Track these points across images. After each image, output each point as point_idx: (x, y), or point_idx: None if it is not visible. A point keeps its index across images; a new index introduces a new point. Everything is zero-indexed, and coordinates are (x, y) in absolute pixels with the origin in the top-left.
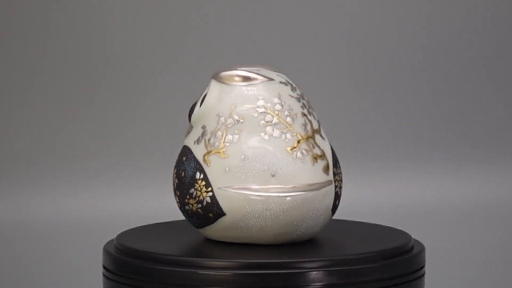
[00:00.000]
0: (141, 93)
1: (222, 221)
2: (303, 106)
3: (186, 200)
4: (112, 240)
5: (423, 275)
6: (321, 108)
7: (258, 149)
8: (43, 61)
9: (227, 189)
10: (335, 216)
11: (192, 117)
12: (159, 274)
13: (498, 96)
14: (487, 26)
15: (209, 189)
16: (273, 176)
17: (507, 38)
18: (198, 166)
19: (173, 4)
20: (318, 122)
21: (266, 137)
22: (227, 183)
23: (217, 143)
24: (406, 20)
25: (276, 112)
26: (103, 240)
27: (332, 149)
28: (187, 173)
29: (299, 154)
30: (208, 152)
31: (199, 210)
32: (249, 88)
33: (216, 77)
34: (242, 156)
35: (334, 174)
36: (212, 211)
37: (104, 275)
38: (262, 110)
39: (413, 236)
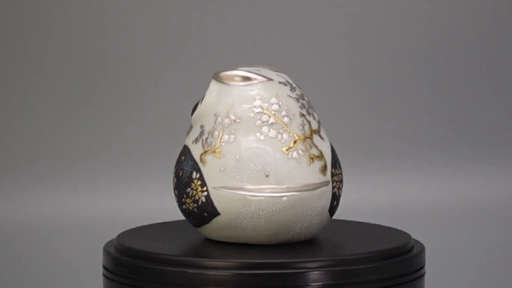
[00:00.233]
0: (141, 93)
1: (217, 220)
2: (302, 107)
3: (183, 199)
4: (112, 240)
5: (423, 275)
6: (321, 108)
7: (253, 149)
8: (43, 61)
9: (222, 189)
10: (335, 216)
11: (192, 117)
12: (159, 274)
13: (498, 96)
14: (487, 26)
15: (204, 188)
16: (267, 176)
17: (507, 38)
18: (195, 165)
19: (174, 4)
20: (318, 122)
21: (262, 137)
22: (222, 183)
23: (213, 143)
24: (406, 20)
25: (273, 113)
26: (103, 240)
27: (332, 150)
28: (184, 172)
29: (295, 155)
30: (205, 152)
31: (195, 209)
32: (247, 88)
33: (216, 77)
34: (237, 156)
35: (332, 175)
36: (207, 211)
37: (104, 275)
38: (259, 110)
39: (413, 236)
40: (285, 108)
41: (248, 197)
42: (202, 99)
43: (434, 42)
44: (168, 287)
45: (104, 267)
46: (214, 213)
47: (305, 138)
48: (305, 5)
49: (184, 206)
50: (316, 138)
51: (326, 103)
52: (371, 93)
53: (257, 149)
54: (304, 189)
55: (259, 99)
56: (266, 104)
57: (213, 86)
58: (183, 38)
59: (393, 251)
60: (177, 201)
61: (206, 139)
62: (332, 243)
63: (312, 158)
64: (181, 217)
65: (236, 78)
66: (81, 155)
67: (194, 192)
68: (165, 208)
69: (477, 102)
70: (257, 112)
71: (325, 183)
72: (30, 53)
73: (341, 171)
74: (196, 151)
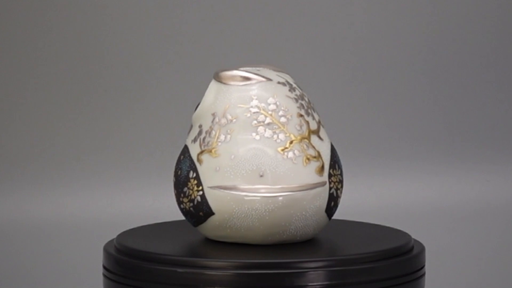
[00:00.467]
0: (142, 93)
1: (211, 220)
2: (301, 107)
3: (181, 199)
4: (112, 240)
5: (423, 275)
6: (321, 108)
7: (248, 149)
8: (43, 61)
9: (216, 189)
10: (335, 216)
11: (192, 116)
12: (159, 274)
13: (498, 96)
14: (487, 27)
15: (200, 188)
16: (261, 176)
17: (507, 39)
18: (192, 165)
19: (175, 3)
20: (319, 123)
21: (257, 137)
22: (217, 183)
23: (210, 143)
24: (407, 20)
25: (270, 113)
26: (103, 240)
27: (332, 151)
28: (182, 171)
29: (290, 155)
30: (202, 151)
31: (191, 209)
32: (244, 88)
33: (216, 76)
34: (232, 156)
35: (330, 176)
36: (202, 210)
37: (104, 275)
38: (256, 110)
39: (413, 236)
40: (282, 108)
41: (241, 197)
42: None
43: (434, 42)
44: (168, 287)
45: (104, 267)
46: (209, 212)
47: (302, 138)
48: (308, 6)
49: (182, 206)
50: (314, 138)
51: (326, 103)
52: (371, 93)
53: (252, 149)
54: (298, 190)
55: (256, 99)
56: (263, 104)
57: (213, 85)
58: (185, 38)
59: (393, 251)
60: (176, 201)
61: (204, 138)
62: (332, 243)
63: (308, 159)
64: (181, 217)
65: (235, 78)
66: (81, 155)
67: (191, 192)
68: (165, 208)
69: (477, 102)
70: (254, 112)
71: (321, 184)
72: (29, 53)
73: (341, 172)
74: (194, 150)
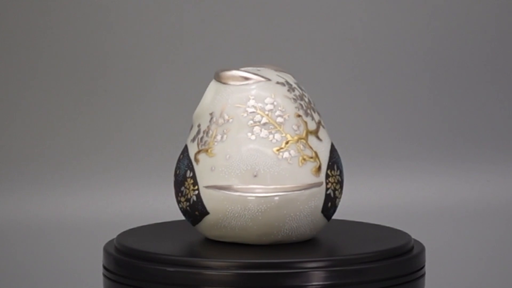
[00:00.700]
0: (142, 93)
1: (207, 219)
2: (300, 107)
3: (179, 198)
4: (112, 240)
5: (423, 275)
6: (321, 108)
7: (243, 149)
8: (43, 61)
9: (211, 188)
10: (335, 216)
11: (193, 116)
12: (159, 274)
13: (498, 96)
14: (487, 27)
15: (196, 187)
16: (255, 176)
17: (507, 39)
18: (189, 164)
19: (178, 3)
20: (318, 123)
21: (253, 137)
22: (212, 182)
23: (207, 142)
24: (407, 21)
25: (266, 113)
26: (103, 240)
27: (332, 151)
28: (180, 171)
29: (286, 155)
30: (199, 151)
31: (188, 208)
32: (242, 88)
33: (215, 76)
34: (227, 156)
35: (328, 176)
36: (198, 210)
37: (104, 275)
38: (252, 110)
39: (413, 236)
40: (280, 108)
41: (234, 197)
42: None
43: (435, 42)
44: (168, 287)
45: (104, 267)
46: (204, 212)
47: (299, 139)
48: (308, 6)
49: (180, 205)
50: (311, 139)
51: (327, 103)
52: (371, 94)
53: (247, 149)
54: (291, 190)
55: (253, 99)
56: (260, 104)
57: (212, 85)
58: (186, 38)
59: (393, 251)
60: (176, 200)
61: (201, 138)
62: (332, 243)
63: (304, 159)
64: (181, 217)
65: (233, 78)
66: (81, 155)
67: (187, 191)
68: (165, 208)
69: (477, 102)
70: (250, 112)
71: (317, 184)
72: (29, 53)
73: (340, 173)
74: (192, 150)
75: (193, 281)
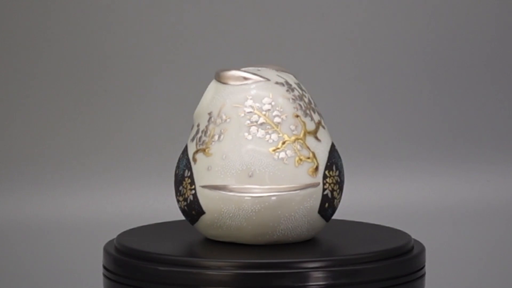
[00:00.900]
0: (142, 93)
1: (203, 219)
2: (299, 108)
3: (178, 197)
4: (112, 240)
5: (423, 275)
6: (321, 108)
7: (238, 149)
8: (43, 61)
9: (207, 188)
10: (335, 216)
11: (193, 116)
12: (159, 274)
13: (498, 96)
14: (487, 27)
15: (193, 187)
16: (250, 176)
17: (507, 39)
18: (188, 164)
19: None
20: (318, 124)
21: (250, 137)
22: (208, 182)
23: (205, 142)
24: (407, 21)
25: (264, 113)
26: (103, 240)
27: (331, 152)
28: (179, 170)
29: (282, 155)
30: (197, 151)
31: (185, 207)
32: (240, 88)
33: (216, 76)
34: (224, 156)
35: (325, 177)
36: (195, 209)
37: (104, 275)
38: (249, 110)
39: (413, 237)
40: (277, 108)
41: (229, 197)
42: None
43: (435, 42)
44: (168, 287)
45: (104, 267)
46: (200, 211)
47: (296, 139)
48: (309, 6)
49: (179, 204)
50: (309, 139)
51: (327, 103)
52: (371, 94)
53: (243, 149)
54: (286, 190)
55: (251, 99)
56: (257, 104)
57: (212, 85)
58: (186, 38)
59: (393, 252)
60: (175, 199)
61: (200, 137)
62: (332, 243)
63: (301, 159)
64: (181, 217)
65: (232, 78)
66: (81, 155)
67: (185, 190)
68: (165, 208)
69: (477, 102)
70: (248, 112)
71: (313, 185)
72: (29, 53)
73: (340, 174)
74: (191, 149)
75: (193, 281)
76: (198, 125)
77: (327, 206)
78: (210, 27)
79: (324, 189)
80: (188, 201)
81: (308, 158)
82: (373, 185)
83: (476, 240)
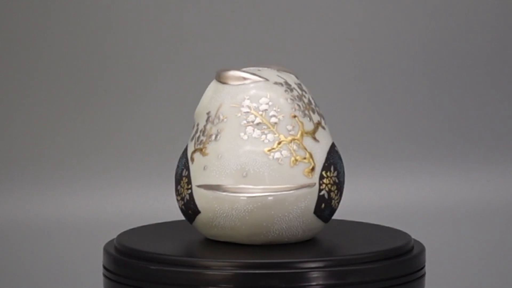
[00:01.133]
0: (142, 93)
1: (199, 218)
2: (297, 108)
3: (177, 197)
4: (112, 240)
5: (423, 275)
6: (321, 108)
7: (234, 149)
8: (43, 61)
9: (202, 187)
10: (335, 216)
11: (194, 115)
12: (159, 274)
13: (498, 96)
14: (487, 27)
15: (189, 186)
16: (244, 176)
17: (507, 39)
18: (186, 163)
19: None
20: (317, 124)
21: (245, 137)
22: (203, 181)
23: (203, 141)
24: (407, 20)
25: (260, 113)
26: (103, 240)
27: (330, 152)
28: (178, 169)
29: (277, 155)
30: (195, 150)
31: (182, 206)
32: (239, 87)
33: (216, 75)
34: (219, 155)
35: (322, 177)
36: (191, 208)
37: (104, 275)
38: (246, 110)
39: (413, 237)
40: (274, 108)
41: (222, 197)
42: None
43: (435, 42)
44: (168, 287)
45: (104, 267)
46: (196, 211)
47: (293, 139)
48: (309, 6)
49: (178, 203)
50: (307, 139)
51: (327, 103)
52: (371, 94)
53: (238, 149)
54: (279, 190)
55: (248, 99)
56: (254, 104)
57: (212, 85)
58: (186, 38)
59: (393, 252)
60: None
61: (198, 137)
62: (332, 243)
63: (296, 160)
64: (181, 217)
65: (231, 78)
66: (81, 155)
67: (182, 190)
68: (165, 208)
69: (477, 102)
70: (244, 112)
71: (307, 185)
72: (29, 53)
73: (338, 174)
74: (190, 149)
75: (193, 281)
76: (197, 125)
77: (324, 206)
78: (210, 27)
79: (320, 190)
80: (185, 200)
81: (304, 158)
82: (373, 185)
83: (476, 240)
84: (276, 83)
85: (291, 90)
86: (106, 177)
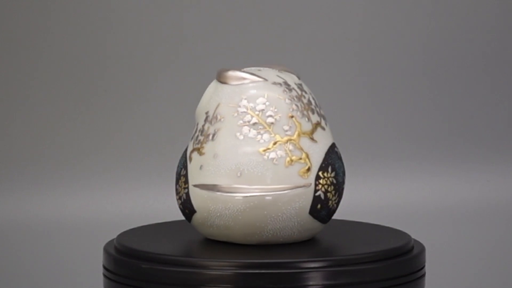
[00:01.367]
0: (142, 93)
1: (195, 218)
2: (295, 108)
3: (176, 196)
4: (112, 240)
5: (423, 275)
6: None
7: (229, 148)
8: (43, 61)
9: (198, 187)
10: (335, 216)
11: (195, 114)
12: (159, 274)
13: (498, 96)
14: (487, 27)
15: (186, 185)
16: (239, 176)
17: (507, 39)
18: (184, 162)
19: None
20: (316, 124)
21: (241, 137)
22: (199, 181)
23: (201, 141)
24: (408, 20)
25: (257, 113)
26: (103, 240)
27: (328, 153)
28: (178, 169)
29: (272, 156)
30: (193, 150)
31: (181, 206)
32: (237, 87)
33: (216, 75)
34: (214, 155)
35: (319, 178)
36: (188, 208)
37: (104, 275)
38: (243, 110)
39: (413, 237)
40: (271, 108)
41: (216, 196)
42: None
43: (434, 42)
44: (168, 287)
45: (104, 267)
46: (192, 210)
47: (289, 140)
48: (309, 6)
49: (177, 203)
50: (304, 140)
51: (327, 103)
52: (371, 94)
53: (233, 149)
54: (273, 191)
55: (245, 99)
56: (251, 104)
57: (212, 84)
58: (186, 38)
59: (393, 252)
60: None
61: (197, 137)
62: (332, 243)
63: (292, 160)
64: (181, 217)
65: (230, 77)
66: (81, 155)
67: (180, 189)
68: (165, 208)
69: (477, 102)
70: (241, 112)
71: (302, 186)
72: (30, 53)
73: (336, 175)
74: (189, 148)
75: (193, 281)
76: (197, 124)
77: (320, 207)
78: (210, 27)
79: (316, 190)
80: (182, 199)
81: (300, 159)
82: (373, 185)
83: (476, 240)
84: (274, 83)
85: (290, 90)
86: (106, 177)
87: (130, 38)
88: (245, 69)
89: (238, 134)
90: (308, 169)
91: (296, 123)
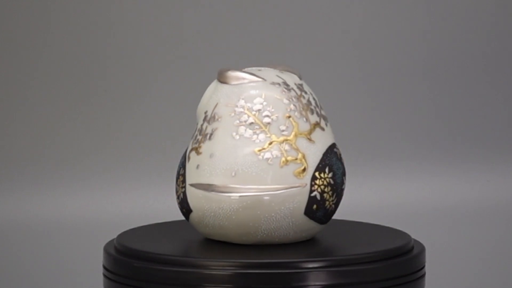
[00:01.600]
0: (142, 93)
1: (192, 217)
2: (293, 108)
3: (175, 195)
4: (112, 240)
5: (423, 275)
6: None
7: (225, 148)
8: (43, 61)
9: (194, 186)
10: (335, 216)
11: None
12: (159, 274)
13: (498, 96)
14: (487, 27)
15: (184, 185)
16: (233, 176)
17: (507, 39)
18: (184, 162)
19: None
20: (314, 125)
21: (237, 136)
22: (195, 180)
23: (199, 141)
24: (408, 21)
25: (254, 113)
26: (103, 240)
27: (326, 153)
28: (178, 168)
29: (267, 156)
30: (192, 149)
31: (179, 205)
32: (235, 87)
33: (217, 75)
34: (210, 154)
35: (315, 178)
36: (184, 207)
37: (104, 275)
38: (240, 110)
39: (413, 237)
40: (268, 108)
41: (211, 196)
42: None
43: (435, 43)
44: (168, 287)
45: (104, 267)
46: (188, 209)
47: (285, 140)
48: (309, 6)
49: (176, 202)
50: (300, 140)
51: (327, 103)
52: (371, 94)
53: (229, 148)
54: (266, 191)
55: (243, 98)
56: (248, 104)
57: (212, 84)
58: (187, 38)
59: (393, 252)
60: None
61: (196, 136)
62: (332, 243)
63: (287, 160)
64: (181, 217)
65: (229, 77)
66: (81, 155)
67: (178, 188)
68: (165, 208)
69: (477, 102)
70: (238, 112)
71: (296, 186)
72: (29, 53)
73: (334, 175)
74: (188, 147)
75: (193, 281)
76: (197, 124)
77: (316, 208)
78: (210, 27)
79: (312, 191)
80: (180, 198)
81: (296, 159)
82: (373, 185)
83: (476, 240)
84: (273, 83)
85: (289, 90)
86: (106, 177)
87: (130, 38)
88: (245, 69)
89: (234, 134)
90: (304, 170)
91: (293, 123)
